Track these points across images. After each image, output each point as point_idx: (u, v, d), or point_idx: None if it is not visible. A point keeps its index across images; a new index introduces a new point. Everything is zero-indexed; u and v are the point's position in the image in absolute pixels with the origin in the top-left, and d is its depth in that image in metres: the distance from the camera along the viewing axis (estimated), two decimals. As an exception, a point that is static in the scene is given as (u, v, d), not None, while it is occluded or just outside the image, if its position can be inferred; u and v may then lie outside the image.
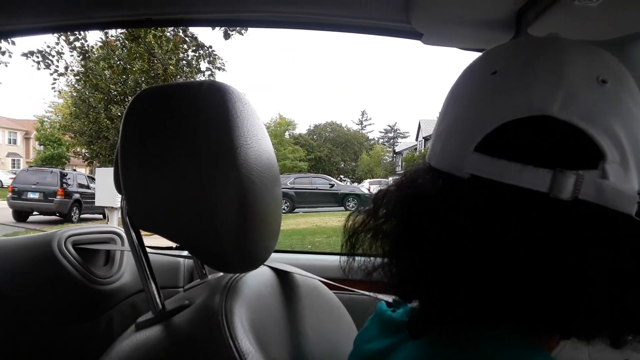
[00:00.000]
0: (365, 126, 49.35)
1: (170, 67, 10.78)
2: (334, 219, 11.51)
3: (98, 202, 7.12)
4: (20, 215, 12.69)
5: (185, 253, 1.15)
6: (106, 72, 12.17)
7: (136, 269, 0.69)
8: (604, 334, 0.42)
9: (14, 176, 15.56)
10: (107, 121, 14.52)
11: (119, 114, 13.63)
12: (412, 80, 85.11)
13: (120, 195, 0.66)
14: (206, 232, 0.61)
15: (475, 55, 0.52)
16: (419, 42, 1.12)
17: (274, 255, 0.76)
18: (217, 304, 0.61)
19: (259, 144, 0.66)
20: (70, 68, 10.15)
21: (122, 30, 8.61)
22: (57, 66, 9.30)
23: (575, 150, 0.40)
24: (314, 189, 16.20)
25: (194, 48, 10.59)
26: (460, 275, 0.41)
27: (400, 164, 38.86)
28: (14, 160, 39.27)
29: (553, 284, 0.39)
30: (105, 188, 6.55)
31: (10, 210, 12.61)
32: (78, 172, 14.95)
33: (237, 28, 6.73)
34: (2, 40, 6.17)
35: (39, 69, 9.08)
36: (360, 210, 0.53)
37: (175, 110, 0.62)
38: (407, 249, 0.46)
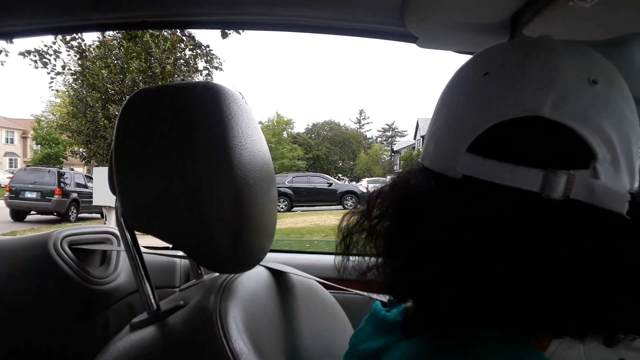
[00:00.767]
0: (363, 125, 49.39)
1: (168, 66, 10.78)
2: (332, 218, 11.51)
3: (96, 202, 7.11)
4: (18, 214, 12.68)
5: (182, 253, 1.15)
6: (103, 71, 12.18)
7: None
8: (597, 333, 0.42)
9: (11, 175, 15.51)
10: (105, 120, 14.50)
11: (117, 113, 13.49)
12: (410, 79, 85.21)
13: (115, 196, 0.66)
14: (201, 233, 0.61)
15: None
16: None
17: (270, 255, 0.76)
18: (212, 305, 0.61)
19: (253, 144, 0.66)
20: (67, 67, 10.12)
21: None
22: (55, 65, 9.29)
23: (566, 150, 0.40)
24: (312, 188, 16.21)
25: (191, 47, 10.58)
26: (453, 275, 0.42)
27: (398, 162, 38.91)
28: (11, 159, 39.19)
29: (544, 282, 0.39)
30: (103, 187, 6.54)
31: (7, 210, 12.59)
32: (76, 172, 14.90)
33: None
34: (-2, 40, 6.15)
35: (36, 67, 9.07)
36: (355, 210, 0.53)
37: (169, 112, 0.62)
38: (401, 248, 0.46)
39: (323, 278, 0.95)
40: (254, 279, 0.75)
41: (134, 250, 0.68)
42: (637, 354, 1.04)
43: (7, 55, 8.08)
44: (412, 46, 1.12)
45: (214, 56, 10.95)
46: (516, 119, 0.41)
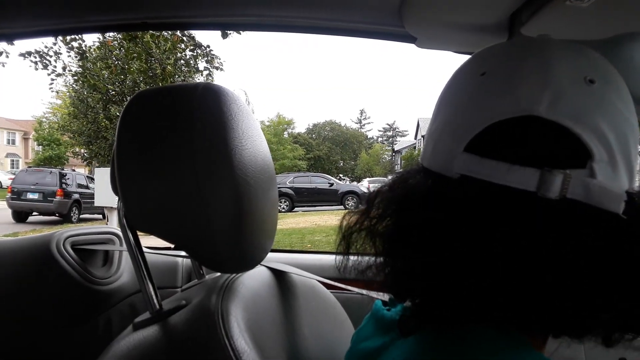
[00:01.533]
0: (364, 125, 49.41)
1: (169, 66, 10.78)
2: (334, 218, 11.51)
3: (97, 202, 7.12)
4: (20, 215, 12.69)
5: (183, 253, 1.16)
6: (104, 72, 12.18)
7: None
8: (595, 333, 0.42)
9: (13, 177, 15.55)
10: (106, 121, 14.50)
11: (118, 113, 13.60)
12: (411, 79, 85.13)
13: (117, 196, 0.67)
14: (202, 233, 0.61)
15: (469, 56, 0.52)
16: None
17: (271, 255, 0.77)
18: (214, 304, 0.62)
19: (254, 145, 0.67)
20: (68, 68, 10.13)
21: (120, 31, 8.61)
22: (55, 66, 9.29)
23: (562, 149, 0.41)
24: (313, 188, 16.21)
25: (191, 48, 10.58)
26: (451, 274, 0.42)
27: (399, 162, 38.90)
28: (12, 160, 39.26)
29: (540, 280, 0.40)
30: (104, 188, 6.55)
31: (9, 211, 12.61)
32: (77, 172, 14.92)
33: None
34: (-1, 41, 6.15)
35: (36, 69, 9.08)
36: (355, 210, 0.54)
37: (170, 113, 0.63)
38: (400, 248, 0.47)
39: (324, 277, 0.96)
40: (256, 278, 0.75)
41: (136, 250, 0.68)
42: (638, 353, 1.04)
43: (7, 56, 8.10)
44: (412, 46, 1.12)
45: (214, 56, 10.95)
46: (512, 119, 0.41)
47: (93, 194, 7.95)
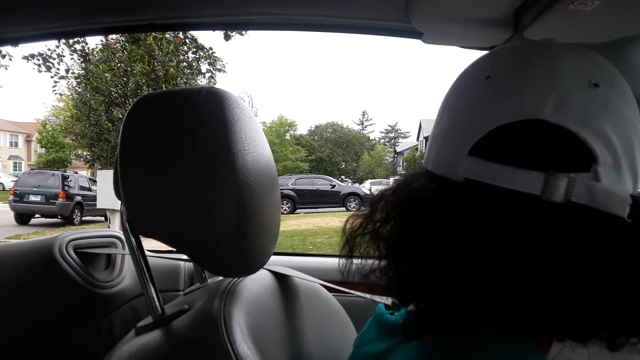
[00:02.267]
0: (366, 126, 49.41)
1: (171, 69, 10.79)
2: (336, 220, 11.52)
3: (100, 205, 7.13)
4: (22, 217, 12.74)
5: (185, 257, 1.16)
6: (107, 74, 12.20)
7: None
8: (600, 337, 0.42)
9: (15, 179, 15.59)
10: (109, 123, 14.53)
11: (120, 116, 13.64)
12: (413, 80, 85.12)
13: (120, 200, 0.67)
14: (205, 237, 0.61)
15: (475, 53, 0.52)
16: (419, 41, 1.13)
17: (273, 258, 0.77)
18: (216, 309, 0.62)
19: (257, 149, 0.67)
20: (71, 71, 10.15)
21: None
22: (58, 69, 9.31)
23: (567, 153, 0.41)
24: (315, 190, 16.21)
25: (194, 50, 10.60)
26: (456, 277, 0.42)
27: (401, 164, 38.85)
28: (15, 163, 39.37)
29: (546, 283, 0.40)
30: (106, 190, 6.55)
31: (12, 213, 12.65)
32: (79, 175, 14.98)
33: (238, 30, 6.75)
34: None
35: (39, 72, 9.09)
36: (358, 213, 0.53)
37: (173, 117, 0.63)
38: (404, 252, 0.47)
39: (326, 281, 0.96)
40: (258, 282, 0.75)
41: (138, 254, 0.68)
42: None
43: (10, 59, 8.12)
44: (414, 48, 1.13)
45: (216, 59, 10.96)
46: (517, 122, 0.41)
47: (95, 196, 7.96)
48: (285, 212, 15.07)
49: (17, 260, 1.14)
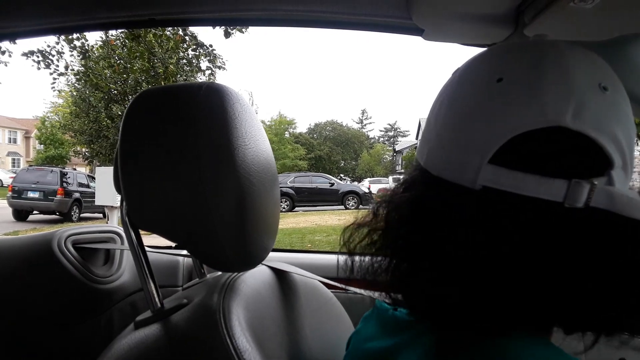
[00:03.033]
0: (365, 125, 49.38)
1: (171, 66, 10.79)
2: (334, 218, 11.53)
3: (98, 201, 7.12)
4: (20, 214, 12.72)
5: (185, 252, 1.16)
6: (106, 71, 12.19)
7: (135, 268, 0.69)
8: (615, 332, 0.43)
9: (14, 175, 15.57)
10: (108, 120, 14.50)
11: (120, 113, 13.61)
12: (413, 79, 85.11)
13: (120, 195, 0.67)
14: (204, 232, 0.61)
15: (475, 50, 0.51)
16: (418, 39, 1.13)
17: (273, 254, 0.77)
18: (215, 303, 0.62)
19: (257, 144, 0.67)
20: (70, 67, 10.13)
21: (123, 30, 8.62)
22: (57, 66, 9.29)
23: (587, 159, 0.41)
24: (314, 188, 16.22)
25: (193, 47, 10.59)
26: (477, 283, 0.42)
27: (400, 162, 38.88)
28: (14, 159, 39.31)
29: (568, 287, 0.40)
30: (105, 187, 6.54)
31: (10, 210, 12.63)
32: (78, 171, 14.95)
33: (238, 26, 6.75)
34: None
35: (39, 68, 9.08)
36: (357, 223, 0.53)
37: (174, 112, 0.63)
38: (419, 264, 0.46)
39: (326, 277, 0.96)
40: (257, 277, 0.75)
41: (138, 249, 0.68)
42: (638, 354, 1.04)
43: (10, 55, 8.09)
44: (413, 47, 1.13)
45: (216, 56, 10.96)
46: (538, 130, 0.41)
47: (94, 193, 7.95)
48: (283, 210, 15.07)
49: (15, 255, 1.14)
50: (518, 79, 0.43)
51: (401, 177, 0.53)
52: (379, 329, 0.58)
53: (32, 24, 1.25)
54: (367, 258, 0.52)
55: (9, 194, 12.59)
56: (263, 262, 0.79)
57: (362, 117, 49.46)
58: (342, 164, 43.82)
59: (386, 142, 49.33)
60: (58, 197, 12.42)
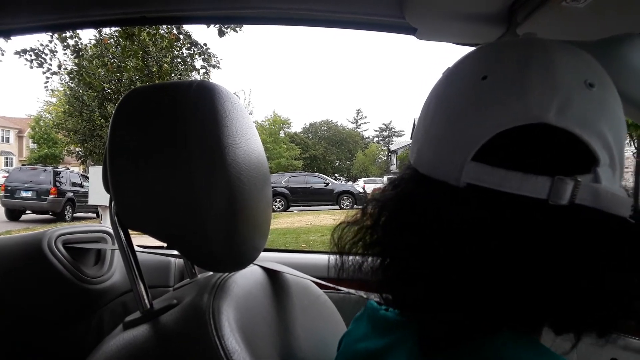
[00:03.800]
0: (360, 124, 49.40)
1: (165, 64, 10.75)
2: (329, 218, 11.52)
3: (91, 201, 7.11)
4: (13, 214, 12.66)
5: (176, 252, 1.15)
6: (100, 70, 12.14)
7: None
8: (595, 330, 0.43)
9: (6, 174, 15.47)
10: (102, 119, 14.47)
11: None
12: (407, 79, 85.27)
13: (109, 194, 0.66)
14: (194, 232, 0.61)
15: (469, 50, 0.51)
16: (413, 39, 1.13)
17: (265, 254, 0.76)
18: (205, 303, 0.61)
19: (248, 143, 0.66)
20: (63, 67, 10.06)
21: (116, 28, 8.58)
22: (50, 64, 9.23)
23: (571, 156, 0.41)
24: (308, 188, 16.22)
25: (188, 46, 10.56)
26: (468, 284, 0.42)
27: (395, 162, 38.97)
28: (7, 158, 39.03)
29: (555, 285, 0.40)
30: (98, 187, 6.45)
31: (2, 209, 12.56)
32: (71, 171, 14.89)
33: (232, 25, 6.74)
34: (-6, 38, 6.12)
35: (31, 67, 9.01)
36: (348, 221, 0.53)
37: (164, 110, 0.62)
38: (408, 260, 0.45)
39: (318, 277, 0.95)
40: (248, 277, 0.75)
41: (127, 248, 0.68)
42: (627, 353, 1.05)
43: (3, 54, 8.04)
44: (409, 47, 1.13)
45: (210, 55, 10.94)
46: (522, 126, 0.40)
47: (87, 193, 7.93)
48: (278, 209, 15.08)
49: (5, 254, 1.12)
50: (502, 77, 0.44)
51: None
52: (370, 330, 0.57)
53: (26, 21, 1.24)
54: (357, 257, 0.51)
55: (2, 193, 12.53)
56: (255, 262, 0.79)
57: (357, 116, 49.50)
58: (337, 164, 43.83)
59: (381, 142, 49.39)
60: (51, 196, 12.37)
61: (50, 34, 8.19)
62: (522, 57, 0.44)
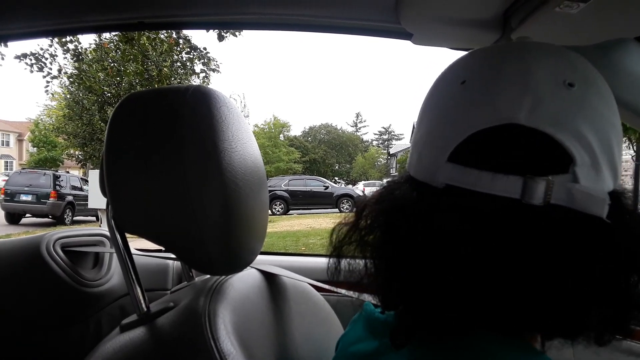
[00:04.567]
0: (359, 128, 49.50)
1: (165, 69, 10.75)
2: (328, 221, 11.51)
3: (91, 205, 7.09)
4: (13, 217, 12.64)
5: (174, 255, 1.15)
6: (100, 74, 12.15)
7: None
8: (586, 334, 0.43)
9: (6, 178, 15.47)
10: (101, 123, 14.45)
11: (113, 115, 13.51)
12: (407, 83, 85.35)
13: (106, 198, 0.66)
14: (190, 235, 0.61)
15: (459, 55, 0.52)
16: (411, 43, 1.13)
17: (262, 257, 0.77)
18: (201, 306, 0.62)
19: (244, 148, 0.67)
20: (63, 70, 10.07)
21: (116, 33, 8.59)
22: (50, 69, 9.24)
23: (544, 156, 0.41)
24: (308, 191, 16.21)
25: (187, 50, 10.57)
26: (440, 283, 0.42)
27: (394, 165, 38.94)
28: (6, 162, 38.98)
29: (530, 286, 0.40)
30: (98, 190, 6.45)
31: (2, 213, 12.54)
32: (71, 174, 14.88)
33: (230, 30, 6.76)
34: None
35: (32, 71, 9.02)
36: (344, 222, 0.53)
37: (160, 115, 0.63)
38: (390, 260, 0.46)
39: (315, 280, 0.96)
40: (245, 281, 0.75)
41: (124, 252, 0.68)
42: (625, 356, 1.05)
43: (3, 58, 8.05)
44: (408, 50, 1.13)
45: (210, 59, 10.94)
46: (493, 127, 0.41)
47: (87, 196, 7.91)
48: (278, 213, 15.07)
49: (3, 258, 1.12)
50: (478, 80, 0.45)
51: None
52: (366, 332, 0.58)
53: (23, 26, 1.24)
54: (352, 260, 0.52)
55: (2, 197, 12.51)
56: (252, 265, 0.79)
57: (357, 120, 49.63)
58: (336, 167, 43.85)
59: (380, 146, 49.47)
60: (51, 200, 12.35)
61: (49, 38, 8.20)
62: (498, 60, 0.45)
